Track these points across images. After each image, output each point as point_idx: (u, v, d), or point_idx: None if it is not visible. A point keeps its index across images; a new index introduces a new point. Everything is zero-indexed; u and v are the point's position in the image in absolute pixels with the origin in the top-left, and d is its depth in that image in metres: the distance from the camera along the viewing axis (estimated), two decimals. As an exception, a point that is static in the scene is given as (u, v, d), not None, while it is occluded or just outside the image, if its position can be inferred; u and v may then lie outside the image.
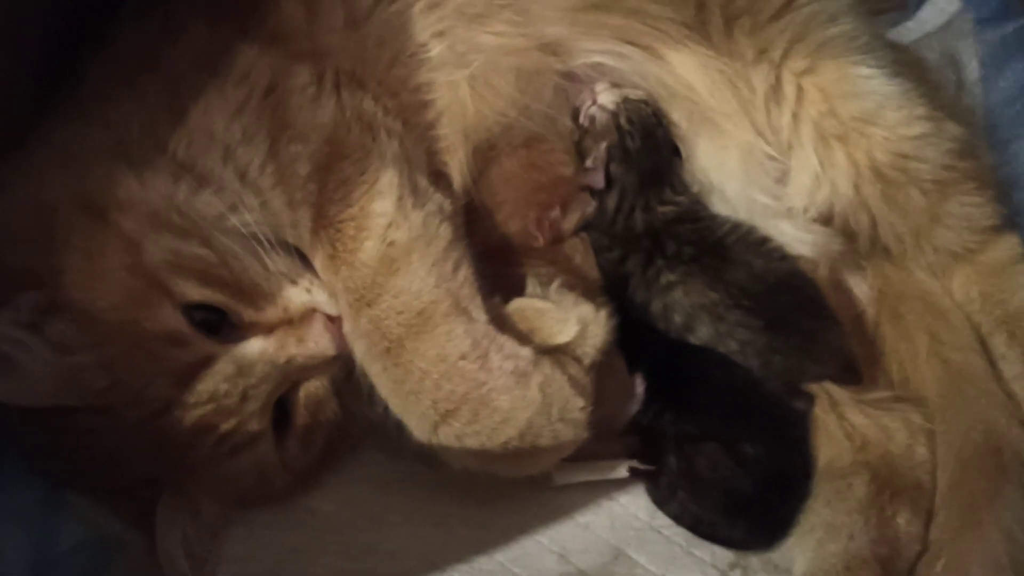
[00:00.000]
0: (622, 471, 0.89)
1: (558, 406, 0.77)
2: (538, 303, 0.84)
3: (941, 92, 1.07)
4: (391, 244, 0.81)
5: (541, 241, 0.97)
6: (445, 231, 0.83)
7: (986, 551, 0.82)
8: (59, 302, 0.75)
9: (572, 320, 0.82)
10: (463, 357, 0.77)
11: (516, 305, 0.84)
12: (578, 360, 0.81)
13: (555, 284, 0.86)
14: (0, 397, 0.73)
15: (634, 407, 0.88)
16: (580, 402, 0.78)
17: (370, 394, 0.82)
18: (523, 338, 0.80)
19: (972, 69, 1.11)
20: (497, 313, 0.82)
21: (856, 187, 0.95)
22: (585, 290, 0.90)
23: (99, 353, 0.75)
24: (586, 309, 0.83)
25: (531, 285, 0.87)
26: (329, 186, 0.84)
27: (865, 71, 0.95)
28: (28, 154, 0.83)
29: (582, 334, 0.82)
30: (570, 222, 0.99)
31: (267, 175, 0.83)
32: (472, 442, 0.77)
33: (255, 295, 0.79)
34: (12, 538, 0.81)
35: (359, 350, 0.81)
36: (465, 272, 0.82)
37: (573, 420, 0.78)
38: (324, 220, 0.83)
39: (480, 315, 0.80)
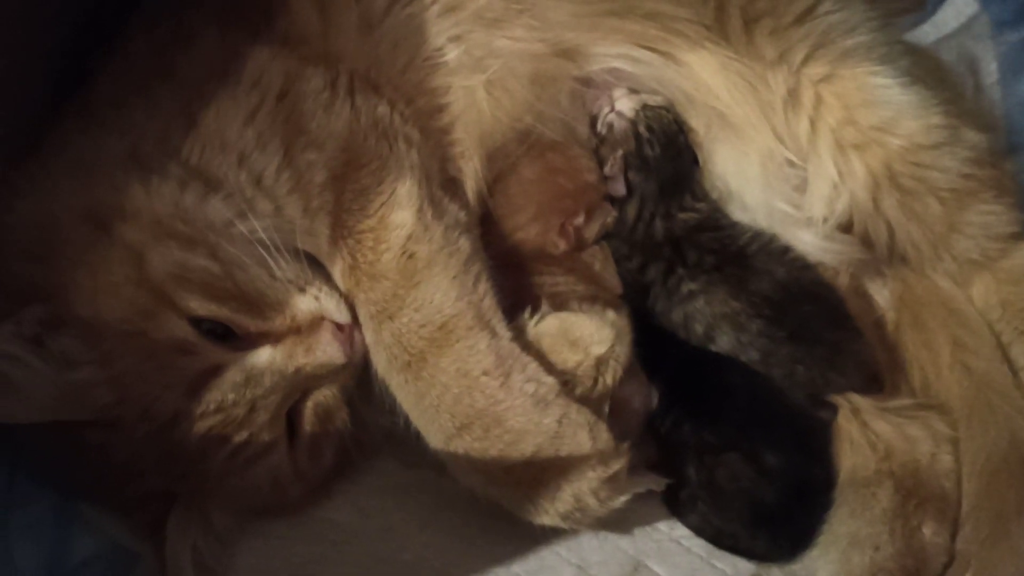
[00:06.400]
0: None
1: (569, 446, 0.76)
2: (573, 315, 0.83)
3: (960, 98, 1.06)
4: (411, 256, 0.80)
5: (563, 247, 0.96)
6: (464, 244, 0.83)
7: (1017, 562, 0.81)
8: (64, 316, 0.74)
9: (607, 325, 0.81)
10: (486, 373, 0.77)
11: (554, 320, 0.83)
12: (609, 374, 0.80)
13: (572, 303, 0.86)
14: (-4, 416, 0.72)
15: (652, 403, 0.88)
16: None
17: (391, 406, 0.81)
18: (548, 367, 0.79)
19: (990, 72, 1.10)
20: (520, 333, 0.81)
21: (874, 196, 0.94)
22: (606, 301, 0.90)
23: (105, 367, 0.74)
24: (611, 315, 0.83)
25: (545, 307, 0.85)
26: (346, 195, 0.83)
27: (883, 80, 0.94)
28: (42, 163, 0.81)
29: (619, 338, 0.81)
30: (591, 231, 0.98)
31: (282, 181, 0.82)
32: (478, 457, 0.76)
33: (261, 305, 0.78)
34: (25, 550, 0.79)
35: (380, 362, 0.80)
36: (485, 286, 0.82)
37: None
38: (343, 230, 0.82)
39: (504, 331, 0.80)
